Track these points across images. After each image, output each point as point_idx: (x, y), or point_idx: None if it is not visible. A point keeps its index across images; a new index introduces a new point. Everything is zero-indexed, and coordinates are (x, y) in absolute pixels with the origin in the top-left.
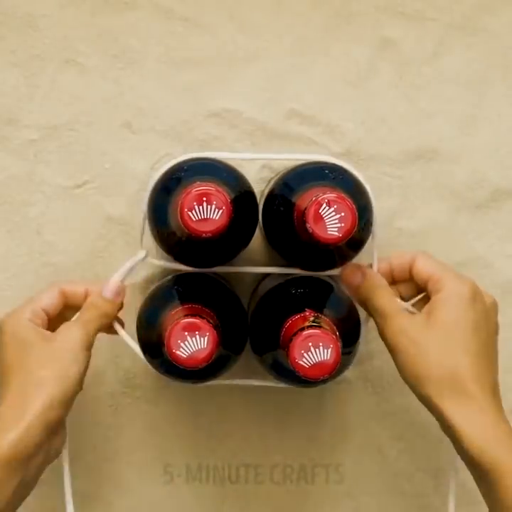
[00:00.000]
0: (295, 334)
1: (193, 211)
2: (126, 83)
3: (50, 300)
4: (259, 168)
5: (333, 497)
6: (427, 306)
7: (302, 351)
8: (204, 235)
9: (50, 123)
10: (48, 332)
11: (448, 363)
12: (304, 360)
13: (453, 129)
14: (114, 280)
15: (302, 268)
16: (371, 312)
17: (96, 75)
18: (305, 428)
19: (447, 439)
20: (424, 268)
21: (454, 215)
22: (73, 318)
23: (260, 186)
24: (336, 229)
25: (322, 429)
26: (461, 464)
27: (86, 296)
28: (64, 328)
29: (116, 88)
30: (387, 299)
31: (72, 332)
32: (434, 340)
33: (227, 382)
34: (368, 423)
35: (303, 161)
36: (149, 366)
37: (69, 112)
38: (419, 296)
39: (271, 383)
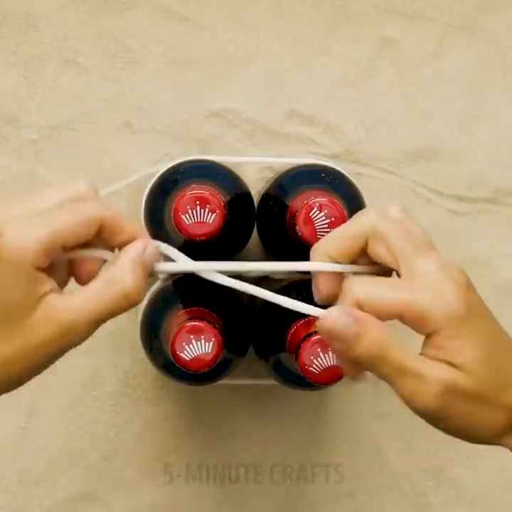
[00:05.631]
0: (303, 340)
1: (187, 214)
2: (126, 83)
3: (77, 232)
4: (260, 168)
5: (333, 497)
6: (431, 353)
7: (311, 357)
8: (198, 238)
9: (50, 123)
10: (45, 294)
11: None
12: (314, 366)
13: (453, 129)
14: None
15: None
16: (388, 373)
17: (96, 75)
18: (305, 428)
19: (447, 439)
20: (382, 309)
21: (454, 215)
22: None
23: (260, 186)
24: (325, 233)
25: (322, 429)
26: (459, 462)
27: (128, 240)
28: (63, 305)
29: (116, 88)
30: (410, 354)
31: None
32: (483, 389)
33: (229, 382)
34: (368, 423)
35: (301, 163)
36: (149, 366)
37: (69, 112)
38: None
39: (272, 382)
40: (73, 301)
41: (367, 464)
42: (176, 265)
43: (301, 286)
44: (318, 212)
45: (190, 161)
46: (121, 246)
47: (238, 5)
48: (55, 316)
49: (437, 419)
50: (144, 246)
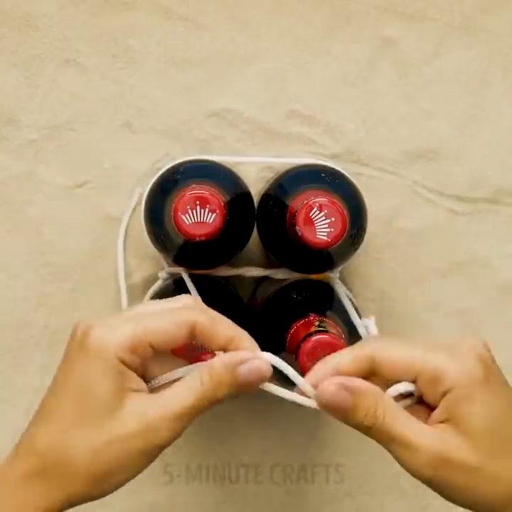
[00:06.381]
0: (303, 340)
1: (187, 215)
2: (126, 83)
3: (169, 334)
4: (260, 168)
5: (333, 497)
6: (442, 413)
7: (312, 357)
8: (198, 238)
9: (50, 123)
10: (132, 393)
11: (508, 478)
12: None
13: (453, 129)
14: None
15: (294, 270)
16: (381, 441)
17: (96, 75)
18: (305, 428)
19: None
20: (397, 365)
21: (454, 215)
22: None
23: (260, 186)
24: (325, 233)
25: (322, 429)
26: None
27: (224, 345)
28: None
29: (116, 88)
30: (404, 421)
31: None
32: (483, 461)
33: None
34: None
35: (301, 164)
36: None
37: (69, 112)
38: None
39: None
40: (158, 399)
41: (367, 464)
42: (282, 392)
43: (301, 286)
44: (318, 212)
45: (190, 161)
46: (219, 350)
47: (238, 5)
48: (141, 412)
49: (433, 487)
50: (244, 358)
